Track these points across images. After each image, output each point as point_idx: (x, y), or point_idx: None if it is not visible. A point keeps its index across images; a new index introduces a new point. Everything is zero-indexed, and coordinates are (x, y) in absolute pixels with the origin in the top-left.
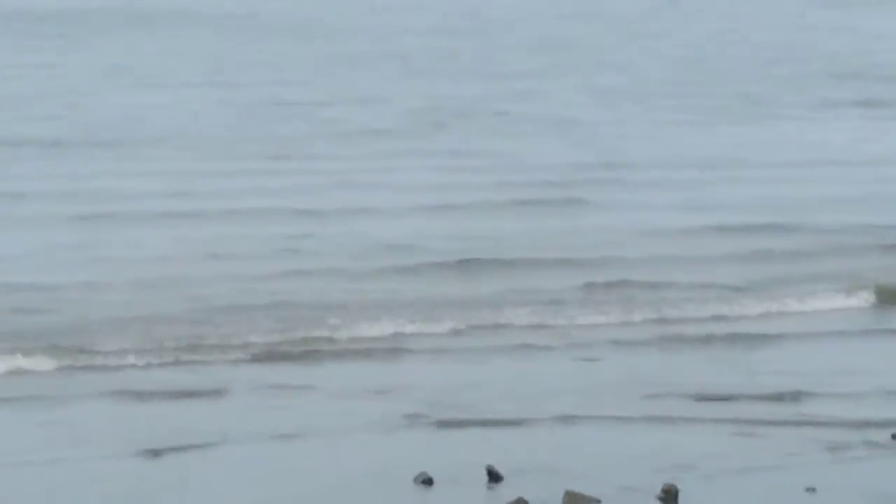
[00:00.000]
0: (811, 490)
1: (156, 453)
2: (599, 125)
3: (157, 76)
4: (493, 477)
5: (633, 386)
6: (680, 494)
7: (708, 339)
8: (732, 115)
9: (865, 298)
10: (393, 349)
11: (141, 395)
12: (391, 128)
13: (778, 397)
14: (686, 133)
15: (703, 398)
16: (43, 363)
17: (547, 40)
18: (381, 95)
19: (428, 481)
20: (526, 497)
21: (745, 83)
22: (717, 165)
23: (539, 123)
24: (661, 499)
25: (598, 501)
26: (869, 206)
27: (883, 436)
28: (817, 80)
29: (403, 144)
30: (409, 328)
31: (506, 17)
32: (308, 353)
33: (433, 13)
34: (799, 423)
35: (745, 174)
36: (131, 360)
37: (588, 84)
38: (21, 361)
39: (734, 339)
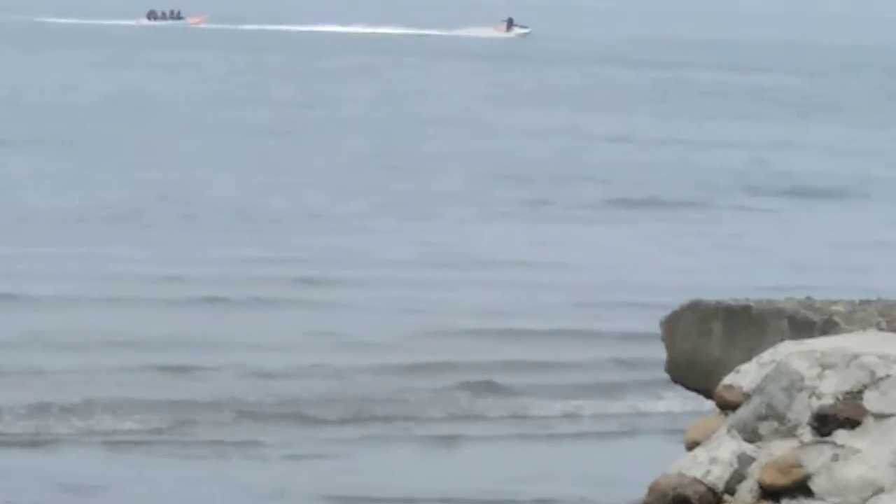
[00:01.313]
0: None
1: None
2: (288, 221)
3: None
4: None
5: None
6: None
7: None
8: (409, 210)
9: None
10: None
11: None
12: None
13: None
14: (378, 229)
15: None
16: None
17: (207, 124)
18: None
19: None
20: None
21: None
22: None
23: (222, 215)
24: None
25: None
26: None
27: None
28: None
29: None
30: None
31: (178, 99)
32: None
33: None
34: None
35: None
36: None
37: (274, 176)
38: None
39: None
